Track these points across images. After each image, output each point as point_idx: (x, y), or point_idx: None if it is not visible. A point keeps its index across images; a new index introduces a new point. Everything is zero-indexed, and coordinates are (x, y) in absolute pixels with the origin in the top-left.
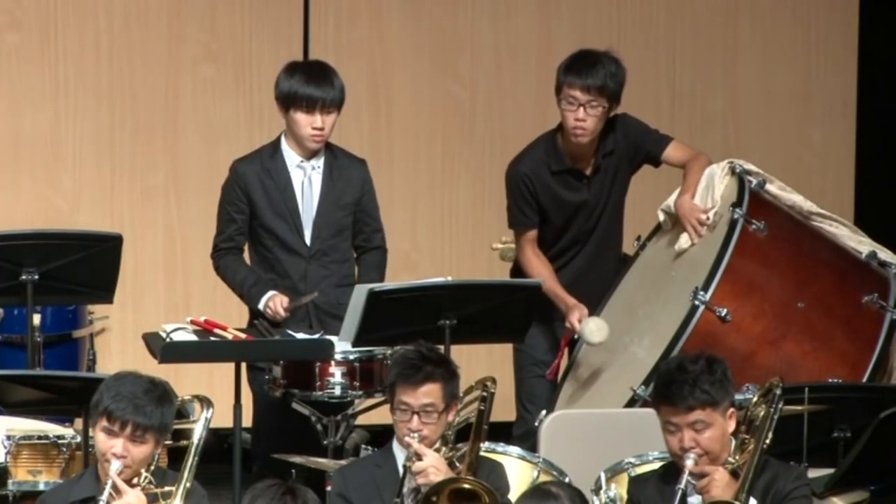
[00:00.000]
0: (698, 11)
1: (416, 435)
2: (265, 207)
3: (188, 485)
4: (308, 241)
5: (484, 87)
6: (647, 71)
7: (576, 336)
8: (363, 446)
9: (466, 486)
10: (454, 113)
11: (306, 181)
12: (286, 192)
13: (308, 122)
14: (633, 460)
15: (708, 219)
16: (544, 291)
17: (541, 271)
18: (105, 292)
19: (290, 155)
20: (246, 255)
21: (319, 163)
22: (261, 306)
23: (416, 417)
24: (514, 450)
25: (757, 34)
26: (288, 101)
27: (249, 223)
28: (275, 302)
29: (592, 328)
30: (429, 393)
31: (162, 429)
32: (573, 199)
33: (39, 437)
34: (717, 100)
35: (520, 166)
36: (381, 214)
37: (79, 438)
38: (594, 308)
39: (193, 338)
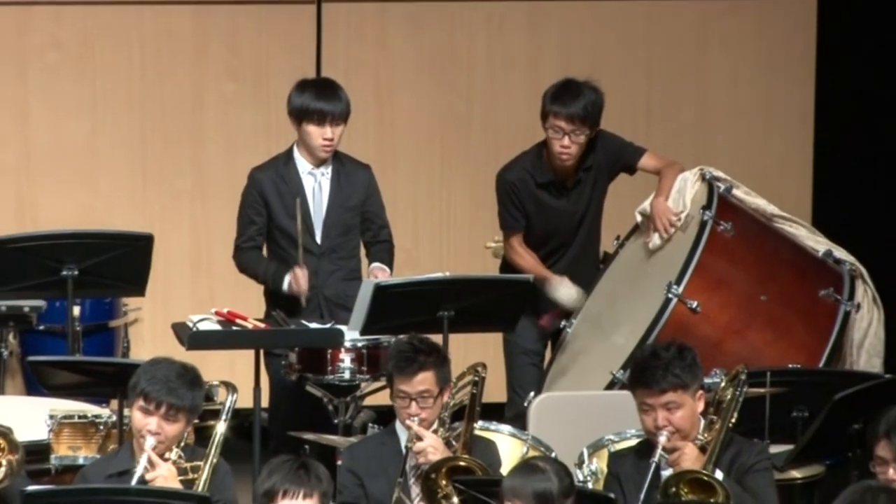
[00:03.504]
0: (672, 34)
1: (415, 418)
2: (280, 210)
3: (214, 460)
4: (319, 239)
5: (479, 100)
6: (626, 87)
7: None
8: (370, 425)
9: (462, 463)
10: (452, 123)
11: (317, 186)
12: (299, 197)
13: (319, 134)
14: (612, 437)
15: (679, 220)
16: (532, 274)
17: (527, 259)
18: (138, 286)
19: (302, 163)
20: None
21: (328, 169)
22: (285, 287)
23: (414, 403)
24: (506, 428)
25: (725, 54)
26: (300, 116)
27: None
28: (297, 279)
29: (562, 292)
30: (424, 380)
31: (192, 409)
32: (556, 208)
33: (79, 417)
34: (688, 113)
35: (508, 175)
36: (386, 213)
37: (114, 418)
38: None
39: (217, 327)
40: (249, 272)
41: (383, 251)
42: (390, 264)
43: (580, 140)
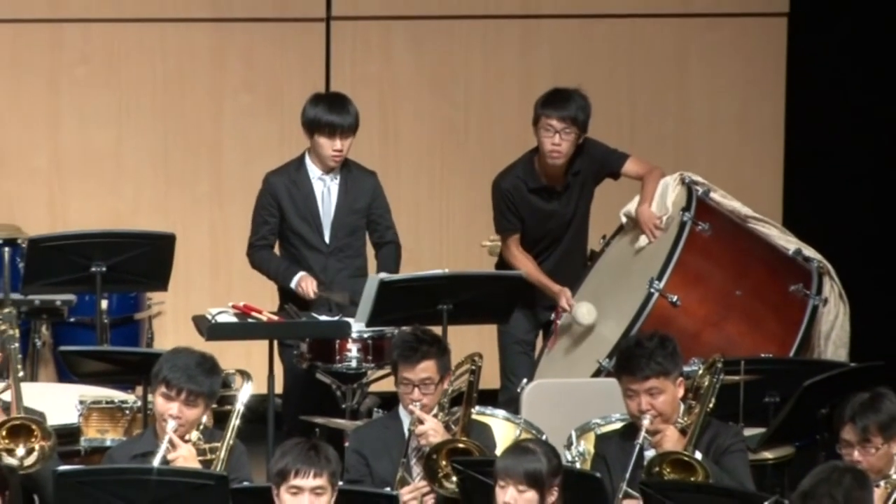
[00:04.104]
0: (654, 49)
1: (417, 404)
2: (292, 212)
3: (231, 442)
4: (327, 239)
5: (475, 110)
6: (611, 98)
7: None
8: (375, 409)
9: (461, 445)
10: (450, 132)
11: (326, 190)
12: (309, 200)
13: (329, 146)
14: (599, 421)
15: (662, 223)
16: (531, 281)
17: (526, 265)
18: (161, 282)
19: (313, 169)
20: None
21: (337, 175)
22: (293, 285)
23: (416, 390)
24: (500, 412)
25: (703, 69)
26: (312, 127)
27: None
28: (306, 283)
29: (584, 311)
30: (426, 369)
31: (210, 395)
32: (548, 211)
33: (107, 402)
34: (669, 122)
35: (503, 182)
36: (391, 215)
37: (139, 403)
38: None
39: (234, 319)
40: (262, 269)
41: (389, 252)
42: (396, 265)
43: (570, 138)
